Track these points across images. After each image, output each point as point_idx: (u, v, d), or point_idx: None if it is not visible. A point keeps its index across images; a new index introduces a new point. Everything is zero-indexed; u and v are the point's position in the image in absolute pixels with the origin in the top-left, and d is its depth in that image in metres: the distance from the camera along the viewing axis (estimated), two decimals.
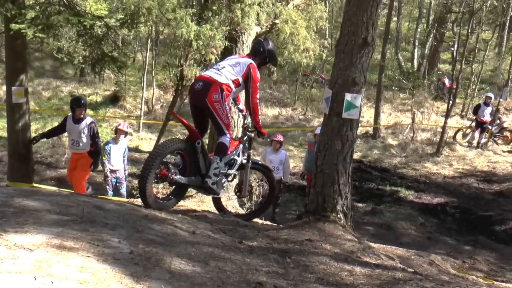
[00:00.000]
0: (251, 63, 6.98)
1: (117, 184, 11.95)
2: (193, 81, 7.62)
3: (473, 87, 27.13)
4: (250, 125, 7.34)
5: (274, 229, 6.31)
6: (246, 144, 7.43)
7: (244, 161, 7.39)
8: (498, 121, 21.70)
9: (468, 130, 22.06)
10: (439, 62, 32.96)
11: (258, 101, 7.08)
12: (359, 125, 7.86)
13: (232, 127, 6.95)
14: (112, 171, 11.83)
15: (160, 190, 7.44)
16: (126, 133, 12.02)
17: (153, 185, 6.51)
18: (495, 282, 7.63)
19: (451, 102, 20.84)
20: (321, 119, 7.46)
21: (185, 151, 6.82)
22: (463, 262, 9.98)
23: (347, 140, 6.63)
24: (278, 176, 11.92)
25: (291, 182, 15.21)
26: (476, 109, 21.24)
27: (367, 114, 25.09)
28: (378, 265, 5.23)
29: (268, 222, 8.74)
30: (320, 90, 27.27)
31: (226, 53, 10.56)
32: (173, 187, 6.94)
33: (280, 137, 12.53)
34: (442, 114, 23.77)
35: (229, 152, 7.12)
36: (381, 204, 14.30)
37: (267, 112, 24.57)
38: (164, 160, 6.66)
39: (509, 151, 21.09)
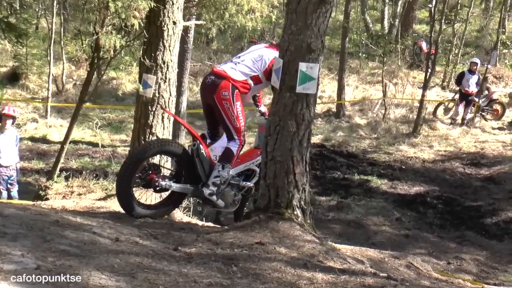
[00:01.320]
0: (275, 58, 7.16)
1: (9, 186, 11.75)
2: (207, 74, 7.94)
3: (456, 51, 27.61)
4: None
5: (217, 232, 6.33)
6: None
7: None
8: (486, 92, 22.09)
9: (451, 104, 22.42)
10: (415, 23, 33.41)
11: None
12: (318, 101, 7.92)
13: (243, 132, 7.20)
14: (4, 167, 11.63)
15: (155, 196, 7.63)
16: (13, 118, 11.82)
17: (133, 189, 6.92)
18: (486, 286, 7.86)
19: (429, 70, 21.11)
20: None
21: (177, 155, 7.12)
22: (448, 263, 10.21)
23: (303, 120, 6.65)
24: None
25: None
26: (460, 78, 21.56)
27: (329, 88, 25.28)
28: (344, 271, 5.31)
29: (211, 224, 8.77)
30: None
31: (152, 16, 10.46)
32: (167, 193, 7.28)
33: None
34: (420, 86, 24.08)
35: (247, 161, 7.64)
36: (349, 196, 14.46)
37: None
38: (152, 162, 7.16)
39: (499, 128, 21.55)
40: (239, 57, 7.52)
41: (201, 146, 7.21)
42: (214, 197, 7.18)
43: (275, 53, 7.32)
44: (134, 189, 7.00)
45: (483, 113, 22.04)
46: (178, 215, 8.67)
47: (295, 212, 6.65)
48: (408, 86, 25.04)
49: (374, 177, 15.98)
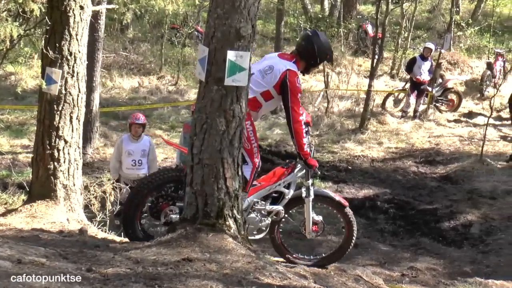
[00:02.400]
0: (288, 70, 7.45)
1: None
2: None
3: (405, 35, 27.88)
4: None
5: (138, 248, 6.31)
6: (304, 172, 8.10)
7: (303, 195, 8.22)
8: (440, 80, 22.39)
9: (401, 95, 22.69)
10: (359, 3, 33.70)
11: (301, 118, 7.61)
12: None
13: (256, 153, 7.39)
14: None
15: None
16: None
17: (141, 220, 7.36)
18: None
19: (376, 57, 21.31)
20: None
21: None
22: (402, 275, 10.34)
23: (233, 117, 6.67)
24: (142, 173, 12.00)
25: None
26: (411, 65, 21.73)
27: None
28: (284, 287, 5.35)
29: None
30: (196, 49, 27.27)
31: (56, 0, 10.33)
32: None
33: (141, 118, 12.46)
34: (366, 75, 24.33)
35: (272, 183, 8.05)
36: None
37: (122, 84, 24.30)
38: (166, 191, 7.42)
39: (455, 120, 21.90)
40: None
41: None
42: None
43: (287, 64, 7.45)
44: (142, 220, 7.45)
45: (437, 104, 22.33)
46: (92, 230, 8.59)
47: (227, 223, 6.67)
48: (353, 75, 25.13)
49: (316, 179, 16.02)
